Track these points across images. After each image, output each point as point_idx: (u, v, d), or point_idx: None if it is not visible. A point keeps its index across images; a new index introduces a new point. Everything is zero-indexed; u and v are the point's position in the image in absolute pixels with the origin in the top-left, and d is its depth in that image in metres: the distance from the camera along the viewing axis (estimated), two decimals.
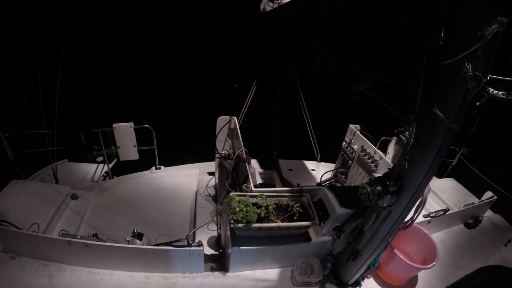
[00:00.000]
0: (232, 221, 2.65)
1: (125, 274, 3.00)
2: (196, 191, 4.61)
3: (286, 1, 3.53)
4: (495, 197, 4.52)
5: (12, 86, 8.99)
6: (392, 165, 3.32)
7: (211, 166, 5.05)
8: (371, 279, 3.39)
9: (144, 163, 4.92)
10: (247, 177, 3.26)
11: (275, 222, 2.79)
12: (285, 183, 5.03)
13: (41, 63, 3.59)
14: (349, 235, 2.88)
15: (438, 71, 1.75)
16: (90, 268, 2.99)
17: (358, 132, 4.57)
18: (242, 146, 3.69)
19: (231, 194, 2.87)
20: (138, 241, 3.22)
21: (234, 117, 4.36)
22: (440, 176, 5.19)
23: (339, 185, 4.58)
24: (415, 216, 2.35)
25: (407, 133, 3.67)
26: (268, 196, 2.96)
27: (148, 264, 2.99)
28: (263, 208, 2.82)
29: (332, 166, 5.36)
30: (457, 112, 1.73)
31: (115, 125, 4.28)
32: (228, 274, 3.12)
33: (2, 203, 3.43)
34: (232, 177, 3.61)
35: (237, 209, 2.69)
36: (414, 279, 3.49)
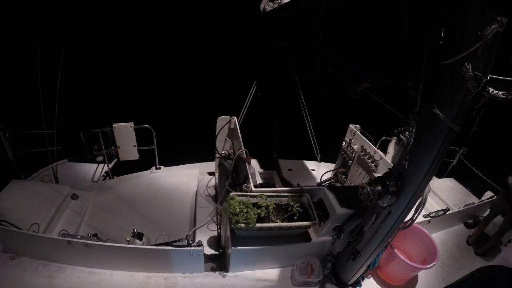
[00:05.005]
0: (232, 221, 2.66)
1: (125, 274, 3.00)
2: (196, 191, 4.61)
3: (286, 1, 3.53)
4: (495, 197, 4.53)
5: (12, 86, 8.99)
6: (392, 165, 3.32)
7: (211, 166, 5.05)
8: (371, 279, 3.39)
9: (144, 163, 4.92)
10: (247, 177, 3.26)
11: (275, 222, 2.79)
12: (285, 183, 5.03)
13: (41, 63, 3.58)
14: (349, 235, 2.88)
15: (438, 71, 1.75)
16: (90, 268, 2.99)
17: (358, 132, 4.58)
18: (242, 146, 3.69)
19: (231, 194, 2.87)
20: (138, 241, 3.23)
21: (234, 117, 4.36)
22: (440, 176, 5.19)
23: (339, 185, 4.58)
24: (415, 216, 2.35)
25: (407, 133, 3.67)
26: (268, 196, 2.96)
27: (148, 264, 2.99)
28: (263, 208, 2.82)
29: (332, 166, 5.36)
30: (457, 112, 1.73)
31: (115, 125, 4.28)
32: (228, 274, 3.12)
33: (2, 203, 3.43)
34: (232, 177, 3.62)
35: (237, 209, 2.69)
36: (414, 279, 3.49)
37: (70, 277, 2.91)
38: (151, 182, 4.80)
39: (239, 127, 4.25)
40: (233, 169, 3.64)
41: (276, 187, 4.56)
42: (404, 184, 2.16)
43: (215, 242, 3.64)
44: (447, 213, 3.69)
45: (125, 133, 4.37)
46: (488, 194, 4.64)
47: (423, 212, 3.62)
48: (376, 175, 2.40)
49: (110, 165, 4.71)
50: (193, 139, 6.82)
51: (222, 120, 4.36)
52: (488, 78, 1.52)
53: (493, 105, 1.77)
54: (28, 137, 4.14)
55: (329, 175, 4.84)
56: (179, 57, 12.95)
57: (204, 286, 3.00)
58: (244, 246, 2.89)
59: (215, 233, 3.75)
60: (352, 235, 2.82)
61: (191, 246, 3.00)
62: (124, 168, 4.88)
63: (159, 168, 5.04)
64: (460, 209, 4.37)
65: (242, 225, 2.64)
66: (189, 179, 4.88)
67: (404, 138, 3.90)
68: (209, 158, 5.13)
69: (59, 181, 4.29)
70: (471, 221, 4.51)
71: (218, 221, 3.85)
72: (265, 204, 2.86)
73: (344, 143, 4.85)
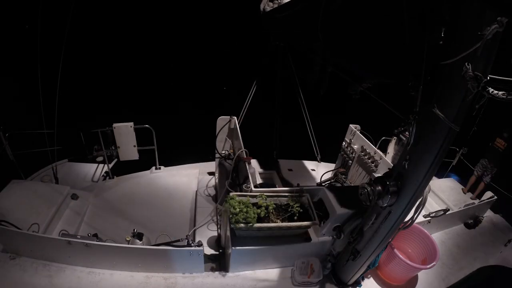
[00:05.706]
0: (232, 221, 2.65)
1: (125, 274, 3.00)
2: (196, 191, 4.61)
3: (286, 1, 3.52)
4: (495, 197, 4.53)
5: (13, 86, 9.00)
6: (392, 165, 3.32)
7: (211, 166, 5.05)
8: (371, 279, 3.39)
9: (144, 163, 4.92)
10: (247, 177, 3.26)
11: (275, 222, 2.79)
12: (285, 183, 5.03)
13: (41, 63, 3.58)
14: (349, 235, 2.88)
15: (438, 71, 1.75)
16: (90, 268, 2.99)
17: (358, 132, 4.58)
18: (242, 146, 3.69)
19: (231, 194, 2.87)
20: (138, 241, 3.22)
21: (234, 117, 4.36)
22: (440, 176, 5.19)
23: (339, 185, 4.58)
24: (415, 216, 2.35)
25: (407, 133, 3.67)
26: (268, 196, 2.96)
27: (148, 264, 2.99)
28: (263, 208, 2.82)
29: (332, 166, 5.36)
30: (457, 112, 1.73)
31: (115, 125, 4.28)
32: (228, 274, 3.12)
33: (2, 203, 3.43)
34: (232, 177, 3.61)
35: (237, 209, 2.69)
36: (414, 279, 3.49)
37: (70, 277, 2.91)
38: (151, 182, 4.80)
39: (239, 127, 4.25)
40: (233, 169, 3.64)
41: (276, 187, 4.56)
42: (404, 184, 2.16)
43: (215, 242, 3.64)
44: (447, 213, 3.69)
45: (125, 133, 4.36)
46: (488, 194, 4.64)
47: (423, 212, 3.62)
48: (376, 175, 2.40)
49: (110, 165, 4.70)
50: (193, 139, 6.82)
51: (222, 120, 4.36)
52: (488, 78, 1.52)
53: (493, 105, 1.77)
54: (28, 137, 4.14)
55: (329, 175, 4.84)
56: (179, 57, 12.95)
57: (204, 286, 3.00)
58: (244, 246, 2.89)
59: (215, 233, 3.75)
60: (352, 235, 2.82)
61: (191, 246, 3.00)
62: (124, 168, 4.88)
63: (159, 168, 5.04)
64: (460, 209, 4.37)
65: (242, 225, 2.64)
66: (189, 179, 4.88)
67: (404, 138, 3.90)
68: (209, 158, 5.13)
69: (59, 181, 4.28)
70: (471, 221, 4.51)
71: (218, 221, 3.85)
72: (265, 204, 2.86)
73: (344, 143, 4.85)
